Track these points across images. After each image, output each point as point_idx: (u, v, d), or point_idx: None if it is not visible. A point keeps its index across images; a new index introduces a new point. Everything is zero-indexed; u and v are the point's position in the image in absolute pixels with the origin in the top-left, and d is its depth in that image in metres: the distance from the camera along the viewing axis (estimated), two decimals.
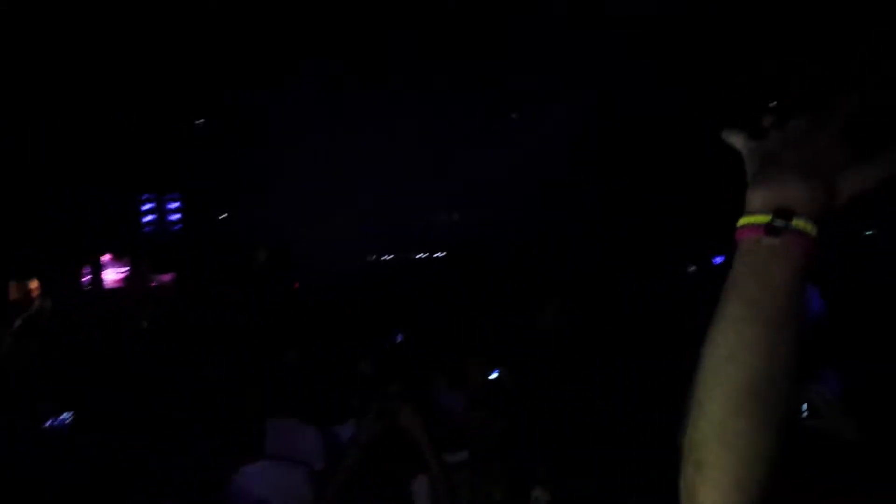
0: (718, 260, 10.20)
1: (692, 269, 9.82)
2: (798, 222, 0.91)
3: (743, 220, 0.94)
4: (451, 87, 10.49)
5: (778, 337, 0.88)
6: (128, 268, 13.07)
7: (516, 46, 9.65)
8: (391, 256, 13.53)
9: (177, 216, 13.07)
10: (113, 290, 12.70)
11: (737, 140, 1.02)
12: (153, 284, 12.83)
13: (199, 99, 10.80)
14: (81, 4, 9.04)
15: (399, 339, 6.22)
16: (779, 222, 0.91)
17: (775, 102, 1.02)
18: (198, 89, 10.48)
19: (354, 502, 2.80)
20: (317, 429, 3.64)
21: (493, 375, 3.91)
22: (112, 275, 12.96)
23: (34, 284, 10.40)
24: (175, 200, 13.00)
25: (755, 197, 0.94)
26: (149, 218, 13.08)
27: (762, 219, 0.92)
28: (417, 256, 13.50)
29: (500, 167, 10.61)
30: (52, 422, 2.80)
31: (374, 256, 13.41)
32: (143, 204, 13.01)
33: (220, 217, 11.88)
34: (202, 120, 11.28)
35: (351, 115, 10.69)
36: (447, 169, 11.24)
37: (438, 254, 13.65)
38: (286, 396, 4.14)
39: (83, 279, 12.74)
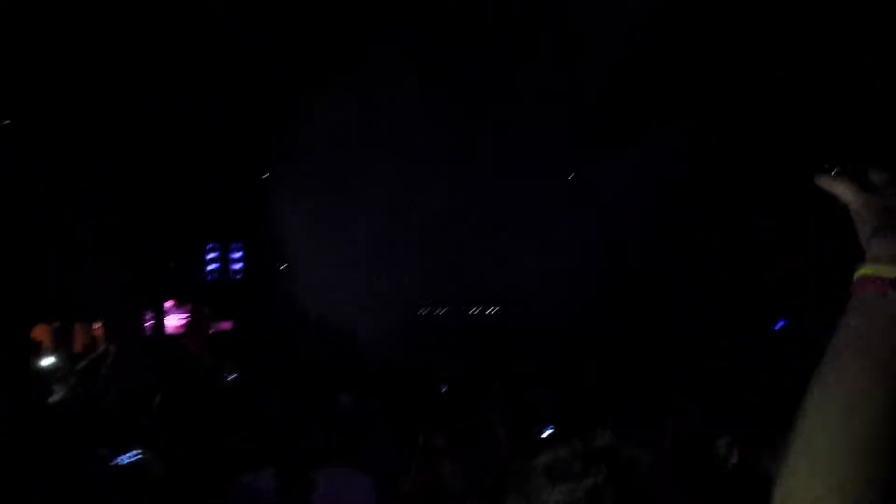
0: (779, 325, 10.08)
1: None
2: None
3: (865, 271, 0.90)
4: (516, 148, 10.59)
5: None
6: (188, 314, 13.42)
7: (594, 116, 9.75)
8: (444, 310, 13.64)
9: (239, 265, 13.46)
10: (173, 336, 13.05)
11: (846, 190, 0.97)
12: (212, 331, 13.14)
13: (264, 154, 11.17)
14: (156, 64, 9.50)
15: (444, 390, 6.28)
16: None
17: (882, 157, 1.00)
18: (263, 145, 10.85)
19: None
20: (371, 479, 3.68)
21: (547, 432, 3.91)
22: (174, 321, 13.33)
23: (98, 327, 10.77)
24: (238, 250, 13.41)
25: (881, 248, 0.90)
26: (212, 266, 13.48)
27: (889, 272, 0.88)
28: (470, 312, 13.59)
29: (564, 225, 10.62)
30: (119, 459, 2.94)
31: (427, 309, 13.54)
32: (209, 253, 13.43)
33: (281, 267, 12.17)
34: (267, 174, 11.64)
35: (415, 168, 10.86)
36: (508, 225, 11.30)
37: (492, 309, 13.73)
38: (338, 442, 4.23)
39: (146, 324, 13.13)
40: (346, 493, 3.61)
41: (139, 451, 2.93)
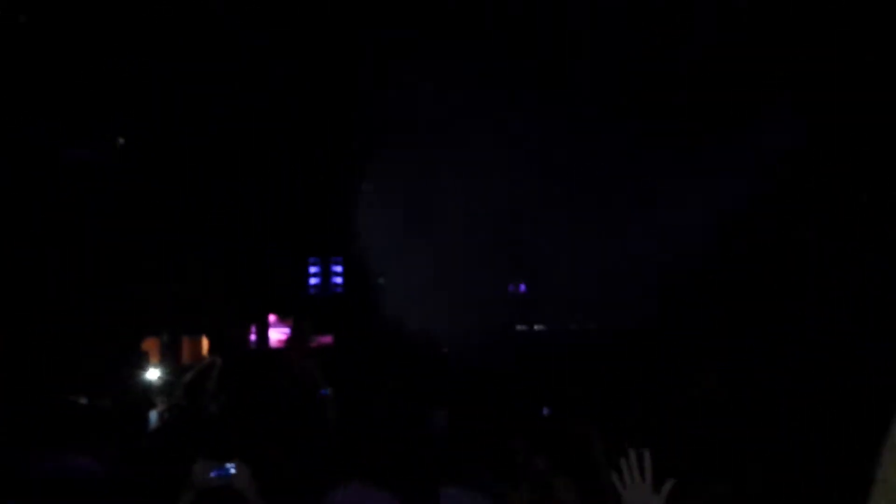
0: None
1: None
2: None
3: None
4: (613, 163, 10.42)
5: None
6: (290, 328, 13.67)
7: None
8: (542, 327, 13.45)
9: (339, 279, 13.64)
10: (276, 349, 13.31)
11: None
12: (313, 345, 13.33)
13: (363, 168, 11.30)
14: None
15: (545, 412, 6.12)
16: None
17: None
18: (364, 159, 10.98)
19: None
20: (490, 497, 3.59)
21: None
22: (276, 334, 13.59)
23: (205, 341, 11.07)
24: (339, 264, 13.59)
25: None
26: (314, 280, 13.72)
27: None
28: (570, 328, 13.35)
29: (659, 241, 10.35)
30: (217, 472, 2.92)
31: (526, 326, 13.37)
32: (310, 267, 13.68)
33: (380, 281, 12.28)
34: (370, 187, 11.78)
35: (517, 182, 10.79)
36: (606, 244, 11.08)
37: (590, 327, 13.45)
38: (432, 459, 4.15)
39: (250, 337, 13.44)
40: None
41: (232, 464, 2.89)
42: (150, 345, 10.43)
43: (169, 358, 10.48)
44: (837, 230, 9.62)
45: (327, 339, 13.28)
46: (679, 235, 10.03)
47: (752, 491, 3.11)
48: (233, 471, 2.92)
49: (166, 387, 6.96)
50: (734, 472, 3.55)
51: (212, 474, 2.91)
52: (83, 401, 5.69)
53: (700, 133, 10.05)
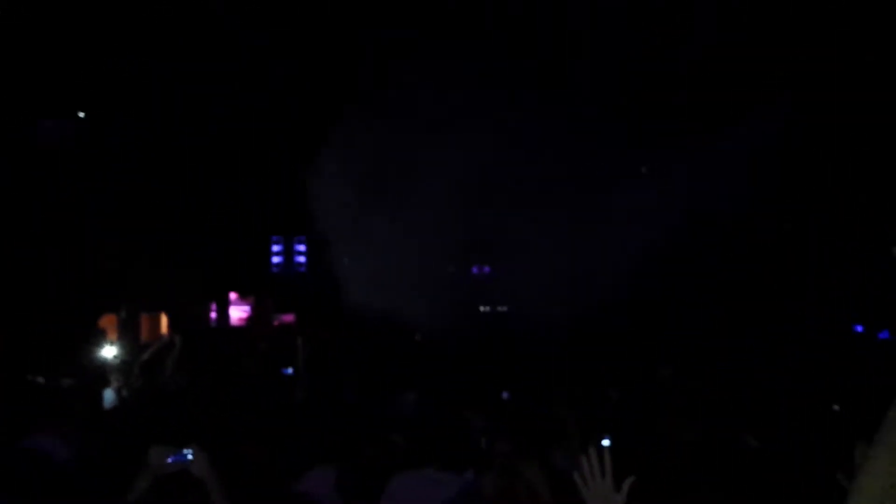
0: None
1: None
2: None
3: None
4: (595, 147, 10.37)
5: None
6: (251, 306, 13.52)
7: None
8: (505, 308, 13.43)
9: (303, 258, 13.50)
10: (237, 328, 13.15)
11: None
12: (276, 323, 13.21)
13: (328, 147, 11.16)
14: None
15: (505, 396, 6.08)
16: None
17: None
18: (326, 138, 10.84)
19: None
20: (457, 481, 3.54)
21: (605, 443, 3.74)
22: (237, 312, 13.43)
23: (164, 318, 10.89)
24: (302, 243, 13.45)
25: None
26: (277, 259, 13.56)
27: None
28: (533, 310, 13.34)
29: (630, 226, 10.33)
30: (175, 458, 2.82)
31: (489, 308, 13.36)
32: (273, 245, 13.52)
33: (344, 262, 12.15)
34: (334, 167, 11.65)
35: (481, 160, 10.71)
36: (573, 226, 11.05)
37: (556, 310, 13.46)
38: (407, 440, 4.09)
39: (211, 315, 13.26)
40: (427, 496, 3.45)
41: (189, 450, 2.79)
42: (108, 322, 10.24)
43: (127, 335, 10.29)
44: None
45: (289, 317, 13.16)
46: (651, 227, 10.06)
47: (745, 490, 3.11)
48: (190, 457, 2.82)
49: (123, 365, 6.81)
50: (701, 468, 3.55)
51: (168, 460, 2.81)
52: (40, 380, 5.55)
53: (691, 130, 10.08)
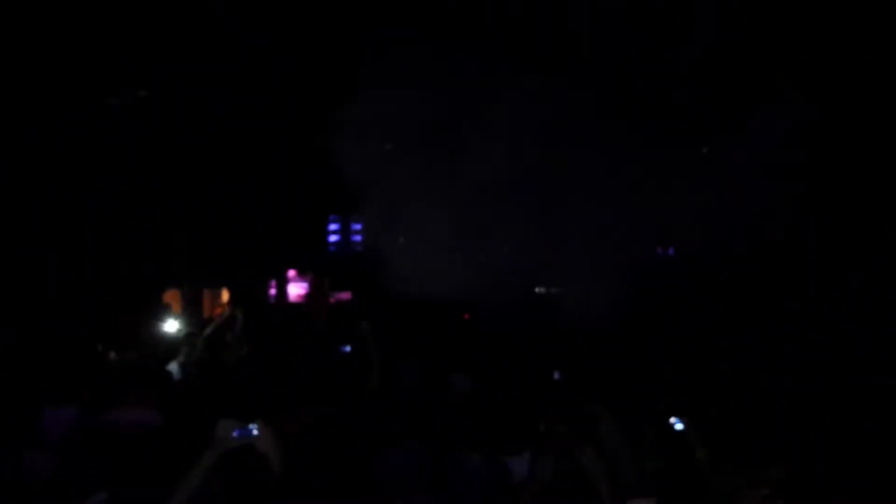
0: None
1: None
2: None
3: None
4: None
5: None
6: (309, 284, 13.74)
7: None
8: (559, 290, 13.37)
9: (359, 237, 13.68)
10: (295, 304, 13.39)
11: None
12: (332, 301, 13.42)
13: (388, 127, 11.23)
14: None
15: (557, 376, 6.11)
16: None
17: None
18: (388, 119, 10.90)
19: None
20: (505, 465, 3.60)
21: (679, 426, 3.71)
22: (295, 289, 13.67)
23: (225, 295, 11.13)
24: (359, 223, 13.62)
25: None
26: (334, 238, 13.77)
27: None
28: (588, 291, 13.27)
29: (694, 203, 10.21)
30: (240, 432, 2.92)
31: (544, 289, 13.32)
32: (330, 224, 13.73)
33: (399, 241, 12.26)
34: (390, 146, 11.72)
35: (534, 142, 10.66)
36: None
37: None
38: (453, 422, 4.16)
39: (270, 291, 13.53)
40: (483, 478, 3.51)
41: (255, 425, 2.89)
42: (172, 296, 10.52)
43: (190, 310, 10.57)
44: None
45: (346, 295, 13.36)
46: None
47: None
48: (255, 432, 2.90)
49: (188, 338, 7.03)
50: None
51: (234, 434, 2.89)
52: (112, 355, 5.77)
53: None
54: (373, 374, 5.35)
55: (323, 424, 3.83)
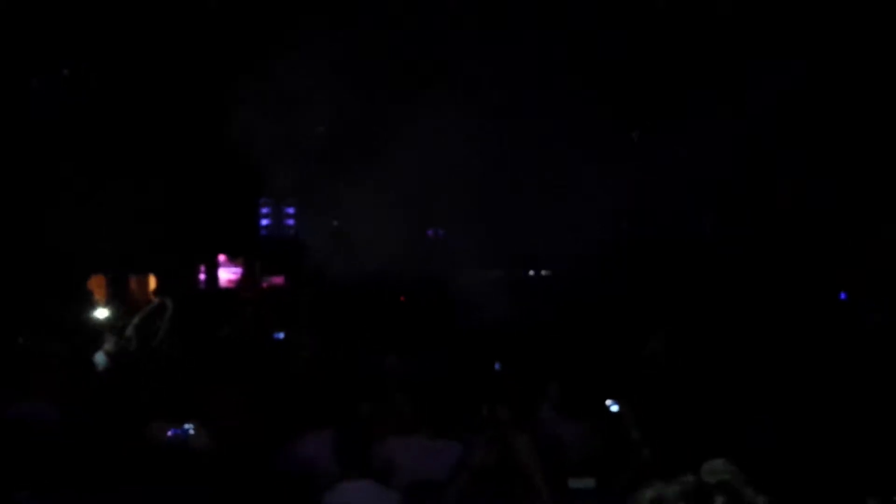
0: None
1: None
2: None
3: None
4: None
5: None
6: (241, 269, 13.49)
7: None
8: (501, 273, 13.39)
9: (292, 221, 13.45)
10: (226, 290, 13.12)
11: None
12: (264, 286, 13.20)
13: (318, 111, 11.06)
14: None
15: (497, 367, 6.09)
16: None
17: None
18: (318, 103, 10.73)
19: None
20: (456, 447, 3.57)
21: (614, 408, 3.79)
22: (226, 274, 13.40)
23: (152, 279, 10.84)
24: (291, 206, 13.39)
25: None
26: (266, 222, 13.49)
27: None
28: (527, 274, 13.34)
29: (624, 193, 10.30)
30: (175, 432, 2.82)
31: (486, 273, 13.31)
32: (262, 208, 13.45)
33: (334, 224, 12.11)
34: (322, 128, 11.55)
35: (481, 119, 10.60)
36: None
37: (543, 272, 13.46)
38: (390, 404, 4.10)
39: (199, 277, 13.22)
40: (425, 463, 3.49)
41: (190, 425, 2.80)
42: (96, 283, 10.19)
43: (116, 297, 10.25)
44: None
45: (279, 279, 13.15)
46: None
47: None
48: (192, 431, 2.83)
49: (113, 326, 6.82)
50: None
51: (169, 433, 2.83)
52: (26, 342, 5.52)
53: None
54: (305, 360, 5.27)
55: (258, 414, 3.74)
